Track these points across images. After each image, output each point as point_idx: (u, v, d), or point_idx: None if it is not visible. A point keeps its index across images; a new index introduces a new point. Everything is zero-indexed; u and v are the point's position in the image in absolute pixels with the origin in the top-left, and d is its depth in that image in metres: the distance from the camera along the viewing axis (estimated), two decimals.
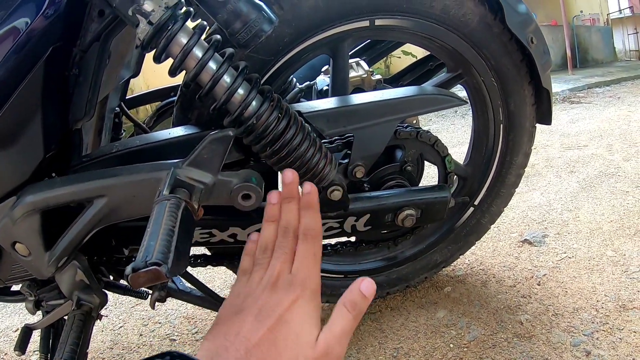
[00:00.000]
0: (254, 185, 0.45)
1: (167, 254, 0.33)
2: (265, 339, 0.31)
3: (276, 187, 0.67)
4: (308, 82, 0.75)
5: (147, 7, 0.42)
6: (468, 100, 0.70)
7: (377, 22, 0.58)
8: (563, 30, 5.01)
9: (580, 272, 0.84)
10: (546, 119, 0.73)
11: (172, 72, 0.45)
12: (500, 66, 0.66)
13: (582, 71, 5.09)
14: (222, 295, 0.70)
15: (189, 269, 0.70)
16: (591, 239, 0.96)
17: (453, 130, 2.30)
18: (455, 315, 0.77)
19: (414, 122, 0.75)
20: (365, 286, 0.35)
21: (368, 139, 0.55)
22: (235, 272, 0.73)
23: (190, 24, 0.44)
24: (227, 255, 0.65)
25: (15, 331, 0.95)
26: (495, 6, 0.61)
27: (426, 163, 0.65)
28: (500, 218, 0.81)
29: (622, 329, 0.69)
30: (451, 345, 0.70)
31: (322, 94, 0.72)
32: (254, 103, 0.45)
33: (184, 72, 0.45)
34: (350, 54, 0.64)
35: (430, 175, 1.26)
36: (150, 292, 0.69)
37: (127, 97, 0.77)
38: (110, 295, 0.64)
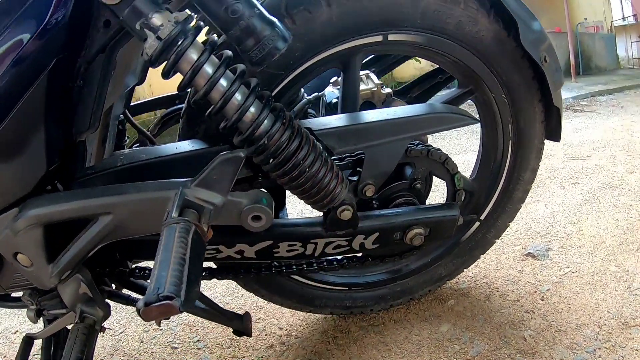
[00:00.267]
0: (265, 206, 0.44)
1: (180, 286, 0.33)
2: None
3: (283, 204, 0.66)
4: (316, 94, 0.74)
5: (156, 21, 0.41)
6: (479, 119, 0.70)
7: (390, 37, 0.57)
8: (567, 37, 4.99)
9: (584, 288, 0.84)
10: (555, 135, 0.73)
11: (182, 89, 0.44)
12: (511, 83, 0.66)
13: (585, 79, 5.06)
14: (225, 308, 0.70)
15: None
16: (594, 253, 0.96)
17: (456, 137, 2.29)
18: (459, 330, 0.77)
19: (422, 138, 0.75)
20: None
21: (379, 157, 0.54)
22: (240, 285, 0.73)
23: (200, 36, 0.43)
24: (232, 269, 0.65)
25: (15, 333, 0.94)
26: (509, 23, 0.60)
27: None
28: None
29: (624, 347, 0.69)
30: None
31: (331, 107, 0.71)
32: (265, 122, 0.44)
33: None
34: None
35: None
36: None
37: (131, 104, 0.76)
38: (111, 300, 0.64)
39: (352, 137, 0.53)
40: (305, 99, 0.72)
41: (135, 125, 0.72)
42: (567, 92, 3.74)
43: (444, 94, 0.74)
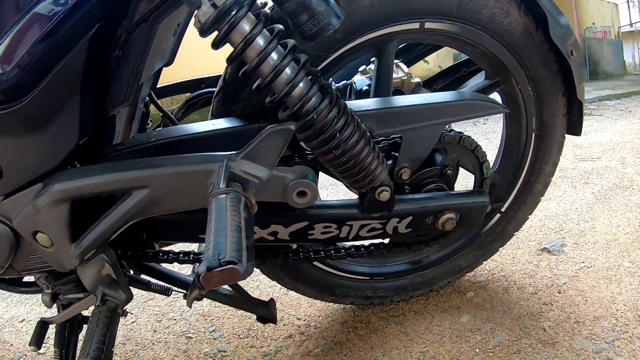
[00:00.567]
0: (311, 181, 0.44)
1: (241, 252, 0.32)
2: None
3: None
4: (345, 82, 0.74)
5: None
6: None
7: (427, 25, 0.58)
8: None
9: (599, 282, 0.85)
10: (576, 129, 0.74)
11: (231, 60, 0.44)
12: (537, 76, 0.67)
13: (593, 83, 5.07)
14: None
15: None
16: (608, 249, 0.97)
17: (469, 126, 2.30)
18: (479, 320, 0.77)
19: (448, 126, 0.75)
20: None
21: (416, 141, 0.55)
22: (264, 272, 0.72)
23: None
24: (260, 253, 0.64)
25: (22, 321, 0.91)
26: (539, 17, 0.62)
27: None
28: None
29: None
30: (477, 350, 0.70)
31: (361, 94, 0.71)
32: (314, 98, 0.44)
33: (224, 62, 0.43)
34: None
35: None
36: (175, 289, 0.67)
37: (157, 87, 0.75)
38: None
39: (391, 119, 0.53)
40: (334, 87, 0.72)
41: (160, 107, 0.72)
42: None
43: (470, 85, 0.75)
